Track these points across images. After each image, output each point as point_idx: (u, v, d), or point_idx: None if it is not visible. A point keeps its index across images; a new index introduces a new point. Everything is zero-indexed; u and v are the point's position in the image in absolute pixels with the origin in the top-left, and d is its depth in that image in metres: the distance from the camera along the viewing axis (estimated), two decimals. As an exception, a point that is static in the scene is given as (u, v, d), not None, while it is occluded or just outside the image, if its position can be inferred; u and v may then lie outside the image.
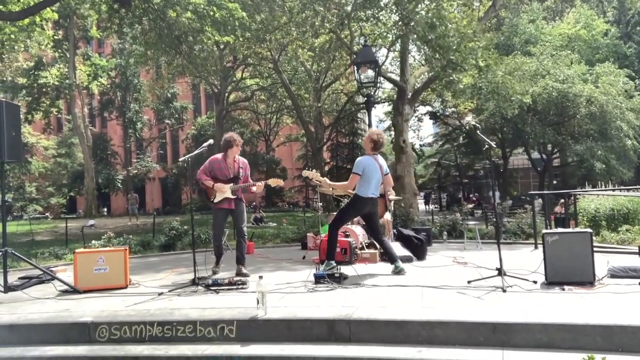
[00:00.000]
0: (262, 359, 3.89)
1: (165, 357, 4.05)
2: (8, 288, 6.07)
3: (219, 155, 6.55)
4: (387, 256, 6.59)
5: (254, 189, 6.63)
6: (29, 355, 4.25)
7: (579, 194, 12.02)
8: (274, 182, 6.81)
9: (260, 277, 4.35)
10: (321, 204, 10.74)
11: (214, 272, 6.66)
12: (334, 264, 6.16)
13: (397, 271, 6.21)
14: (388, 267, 6.48)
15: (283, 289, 5.46)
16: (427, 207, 40.42)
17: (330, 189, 7.52)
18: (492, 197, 35.48)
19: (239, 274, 6.39)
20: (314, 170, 6.71)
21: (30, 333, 4.57)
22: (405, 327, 3.96)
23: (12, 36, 17.33)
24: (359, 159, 6.41)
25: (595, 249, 5.21)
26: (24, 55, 31.32)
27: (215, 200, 6.42)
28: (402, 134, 15.98)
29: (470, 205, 25.21)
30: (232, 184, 6.47)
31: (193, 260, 5.87)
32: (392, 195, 9.30)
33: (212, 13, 13.85)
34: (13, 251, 6.27)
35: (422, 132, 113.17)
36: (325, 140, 32.36)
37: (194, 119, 48.00)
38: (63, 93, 34.19)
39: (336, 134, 40.89)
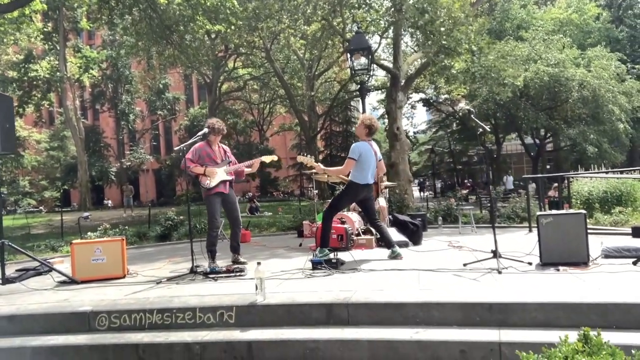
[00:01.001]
0: (262, 344, 3.92)
1: (165, 343, 4.08)
2: (6, 280, 6.09)
3: (203, 143, 6.38)
4: (384, 241, 6.63)
5: (247, 169, 6.58)
6: (30, 345, 4.27)
7: (572, 177, 12.10)
8: (267, 158, 6.79)
9: (259, 264, 4.38)
10: (317, 191, 10.76)
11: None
12: (327, 252, 6.18)
13: (394, 256, 6.25)
14: (384, 252, 6.53)
15: (281, 275, 5.50)
16: (421, 194, 40.56)
17: (325, 174, 7.49)
18: (486, 183, 35.62)
19: (235, 262, 6.40)
20: (309, 156, 6.71)
21: (30, 323, 4.58)
22: (402, 309, 4.01)
23: (2, 28, 17.18)
24: (355, 144, 6.36)
25: (589, 230, 5.26)
26: (13, 48, 31.01)
27: (212, 185, 6.23)
28: (395, 121, 15.99)
29: (465, 191, 25.34)
30: (225, 166, 6.37)
31: (190, 249, 5.88)
32: (385, 182, 9.36)
33: (202, 1, 13.75)
34: (10, 243, 6.27)
35: (415, 119, 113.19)
36: (319, 129, 32.29)
37: (187, 110, 47.83)
38: (54, 86, 33.88)
39: (330, 123, 40.86)
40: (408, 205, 12.80)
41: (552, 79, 22.33)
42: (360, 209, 8.76)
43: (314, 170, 7.05)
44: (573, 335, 2.33)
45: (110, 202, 41.22)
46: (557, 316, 3.67)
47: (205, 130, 6.39)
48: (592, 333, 2.14)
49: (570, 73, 22.51)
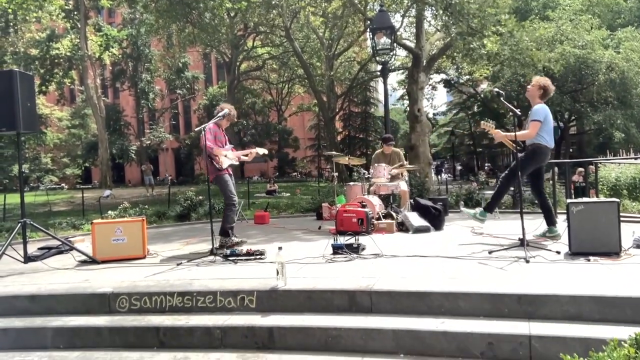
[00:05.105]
0: (283, 330, 3.86)
1: (186, 327, 4.04)
2: (28, 258, 6.11)
3: (215, 125, 6.51)
4: (547, 217, 6.05)
5: (243, 158, 6.88)
6: (51, 326, 4.27)
7: (599, 163, 11.76)
8: (261, 150, 7.08)
9: (280, 248, 4.30)
10: (336, 174, 10.63)
11: (240, 243, 6.49)
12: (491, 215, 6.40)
13: (553, 235, 5.90)
14: (405, 237, 6.41)
15: (301, 259, 5.42)
16: (438, 177, 39.58)
17: (507, 139, 6.53)
18: (508, 166, 35.03)
19: (234, 244, 6.41)
20: (490, 122, 6.33)
21: (51, 303, 4.58)
22: (427, 298, 3.90)
23: (24, 5, 17.20)
24: (537, 105, 5.92)
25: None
26: (35, 26, 31.16)
27: (224, 166, 6.41)
28: (417, 103, 15.75)
29: (485, 175, 24.99)
30: (230, 151, 6.61)
31: (211, 231, 5.84)
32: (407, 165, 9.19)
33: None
34: (32, 222, 6.29)
35: (435, 100, 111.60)
36: (337, 110, 32.04)
37: (206, 89, 47.83)
38: (75, 64, 34.10)
39: (349, 103, 40.56)
40: (429, 188, 12.59)
41: (578, 61, 21.72)
42: (381, 193, 8.63)
43: (494, 135, 6.38)
44: (618, 332, 2.20)
45: (160, 178, 40.00)
46: (589, 309, 3.53)
47: (226, 111, 6.43)
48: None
49: (598, 55, 21.89)
